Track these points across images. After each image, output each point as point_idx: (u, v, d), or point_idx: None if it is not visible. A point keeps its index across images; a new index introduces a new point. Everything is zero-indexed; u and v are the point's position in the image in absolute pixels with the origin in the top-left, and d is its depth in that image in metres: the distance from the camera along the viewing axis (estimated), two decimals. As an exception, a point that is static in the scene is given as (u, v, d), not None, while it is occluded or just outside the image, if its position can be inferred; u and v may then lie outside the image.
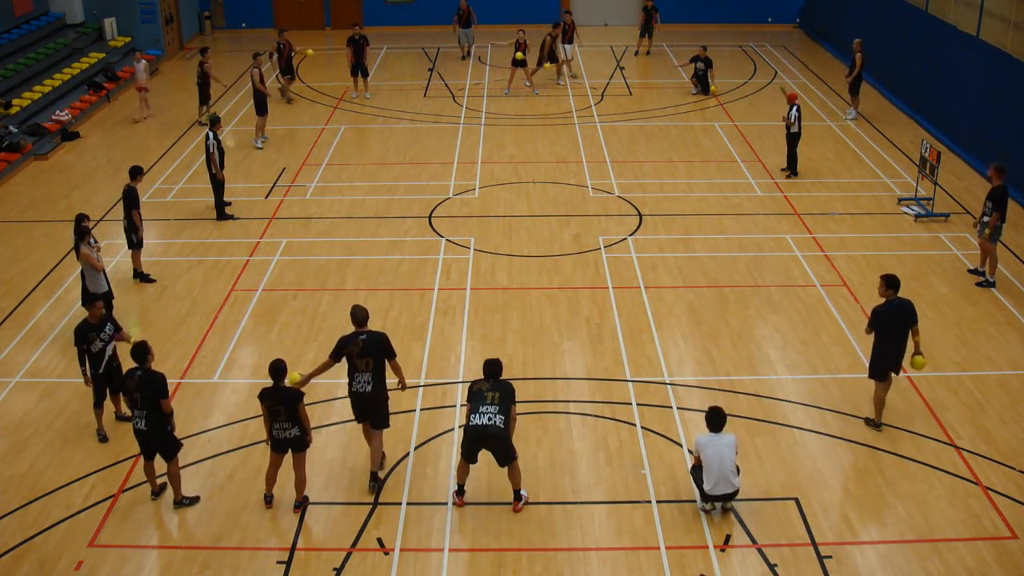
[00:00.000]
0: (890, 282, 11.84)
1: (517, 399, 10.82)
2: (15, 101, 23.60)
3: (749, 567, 10.02)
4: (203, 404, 12.82)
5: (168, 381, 10.70)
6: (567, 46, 27.25)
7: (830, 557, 10.14)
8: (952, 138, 22.17)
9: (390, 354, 11.02)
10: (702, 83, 25.81)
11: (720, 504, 10.66)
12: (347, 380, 11.02)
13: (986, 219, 15.41)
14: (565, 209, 18.82)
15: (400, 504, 10.91)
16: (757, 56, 30.42)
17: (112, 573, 10.02)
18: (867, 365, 12.27)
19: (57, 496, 11.14)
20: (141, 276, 16.10)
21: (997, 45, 20.54)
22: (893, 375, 12.09)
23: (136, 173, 16.00)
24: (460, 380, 13.23)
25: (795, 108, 19.69)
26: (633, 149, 22.10)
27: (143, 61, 24.32)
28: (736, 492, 10.52)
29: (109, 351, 11.97)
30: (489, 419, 10.37)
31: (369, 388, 10.87)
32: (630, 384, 13.15)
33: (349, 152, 22.09)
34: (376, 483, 11.12)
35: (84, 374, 11.92)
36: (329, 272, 16.35)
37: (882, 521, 10.67)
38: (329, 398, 12.86)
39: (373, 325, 14.55)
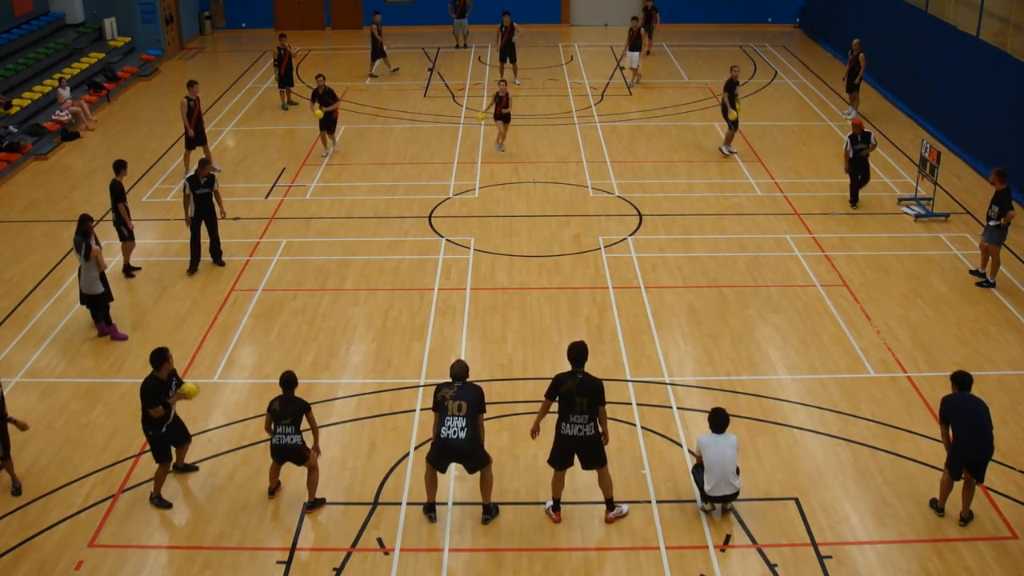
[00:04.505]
0: (955, 380, 10.62)
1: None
2: (15, 101, 23.61)
3: (749, 567, 10.02)
4: (203, 404, 12.80)
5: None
6: (633, 53, 26.64)
7: (830, 557, 10.14)
8: (952, 138, 22.17)
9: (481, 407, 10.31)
10: (729, 110, 21.14)
11: (720, 505, 10.66)
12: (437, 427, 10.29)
13: (992, 223, 15.43)
14: (565, 209, 18.82)
15: (400, 504, 10.90)
16: (757, 56, 30.42)
17: (112, 573, 10.02)
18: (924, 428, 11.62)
19: (57, 496, 11.13)
20: (127, 269, 16.14)
21: (997, 45, 20.54)
22: (974, 480, 10.51)
23: (120, 167, 16.05)
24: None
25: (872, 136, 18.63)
26: (633, 149, 22.10)
27: (67, 89, 24.08)
28: (736, 493, 10.53)
29: None
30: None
31: (463, 435, 10.16)
32: (630, 384, 13.15)
33: (349, 152, 22.08)
34: (490, 514, 10.64)
35: None
36: (329, 272, 16.35)
37: (882, 521, 10.66)
38: (329, 398, 12.87)
39: (373, 325, 14.72)
